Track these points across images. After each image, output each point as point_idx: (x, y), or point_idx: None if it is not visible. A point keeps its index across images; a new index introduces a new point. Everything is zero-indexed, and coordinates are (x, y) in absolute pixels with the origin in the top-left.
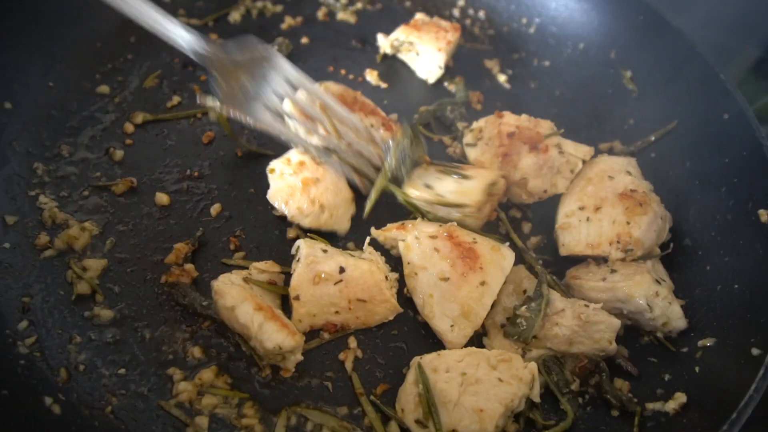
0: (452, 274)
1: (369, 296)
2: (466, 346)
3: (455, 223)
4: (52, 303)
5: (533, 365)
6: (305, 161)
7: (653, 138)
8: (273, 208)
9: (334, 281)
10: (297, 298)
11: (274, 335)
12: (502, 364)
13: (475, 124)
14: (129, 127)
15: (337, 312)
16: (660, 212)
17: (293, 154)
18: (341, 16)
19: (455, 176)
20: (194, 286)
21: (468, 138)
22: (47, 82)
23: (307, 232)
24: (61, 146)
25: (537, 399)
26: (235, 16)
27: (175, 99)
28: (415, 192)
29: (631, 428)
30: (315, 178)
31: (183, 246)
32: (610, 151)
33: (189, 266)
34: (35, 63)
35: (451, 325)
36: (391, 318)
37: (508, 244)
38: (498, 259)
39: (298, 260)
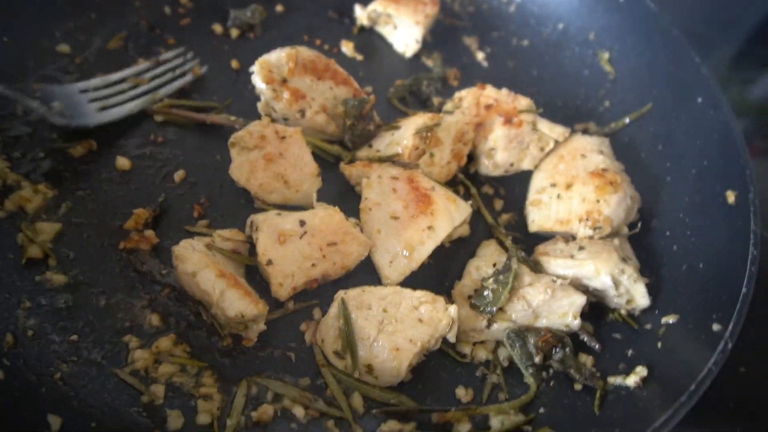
0: (403, 214)
1: (338, 238)
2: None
3: (420, 170)
4: (0, 266)
5: (453, 308)
6: (266, 135)
7: (627, 120)
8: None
9: (299, 235)
10: (269, 262)
11: (236, 303)
12: (425, 306)
13: (456, 94)
14: None
15: (313, 264)
16: (630, 192)
17: (254, 127)
18: None
19: (389, 131)
20: (154, 253)
21: (447, 106)
22: (2, 38)
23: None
24: (15, 105)
25: (453, 340)
26: None
27: (141, 63)
28: (361, 154)
29: (592, 401)
30: (278, 153)
31: (143, 212)
32: (585, 132)
33: (149, 232)
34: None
35: (390, 261)
36: (365, 254)
37: (469, 202)
38: (451, 209)
39: (256, 229)
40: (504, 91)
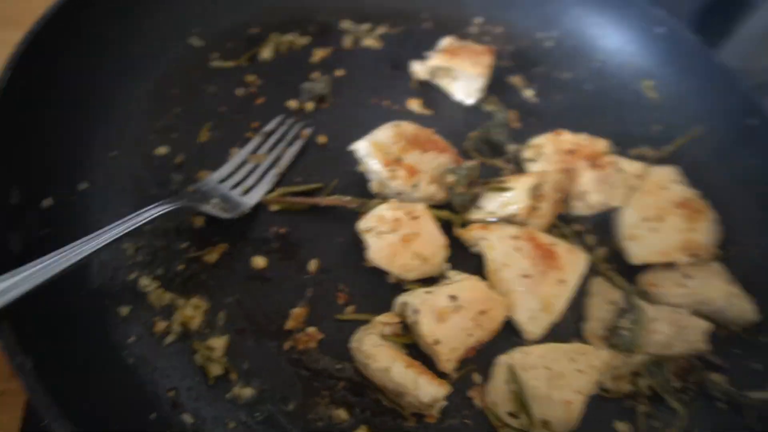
0: (533, 272)
1: (486, 305)
2: (542, 340)
3: (531, 225)
4: (195, 392)
5: (605, 354)
6: (400, 217)
7: (680, 143)
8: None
9: (455, 310)
10: (437, 342)
11: (429, 389)
12: (580, 357)
13: (533, 141)
14: None
15: (470, 335)
16: (713, 217)
17: (385, 211)
18: (366, 42)
19: (498, 192)
20: (319, 349)
21: (528, 154)
22: (110, 153)
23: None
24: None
25: (608, 382)
26: (265, 53)
27: (233, 151)
28: (473, 216)
29: (743, 419)
30: (415, 233)
31: (300, 310)
32: (642, 157)
33: (312, 330)
34: (97, 136)
35: (530, 318)
36: (507, 314)
37: (580, 248)
38: (575, 260)
39: (415, 311)
40: (582, 135)
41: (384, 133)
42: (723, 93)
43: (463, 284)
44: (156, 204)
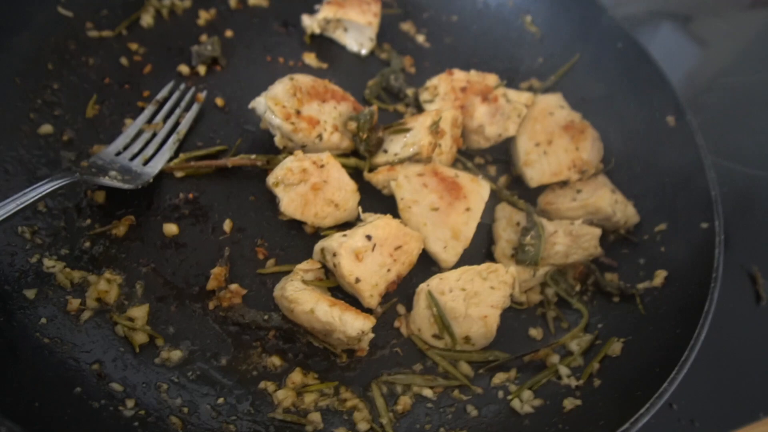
0: (441, 204)
1: (400, 240)
2: (456, 266)
3: (435, 162)
4: (121, 361)
5: (513, 270)
6: (307, 167)
7: (562, 72)
8: (282, 213)
9: (371, 248)
10: (357, 280)
11: (355, 323)
12: (491, 275)
13: (428, 82)
14: None
15: (388, 270)
16: (595, 134)
17: (291, 163)
18: (252, 1)
19: (400, 133)
20: (245, 303)
21: (425, 95)
22: None
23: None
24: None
25: (517, 294)
26: (146, 19)
27: (128, 122)
28: (379, 160)
29: (635, 306)
30: (323, 181)
31: (220, 270)
32: (531, 89)
33: (234, 286)
34: None
35: (444, 247)
36: (422, 247)
37: (481, 176)
38: (477, 188)
39: (334, 255)
40: (472, 72)
41: (280, 87)
42: (592, 21)
43: (377, 223)
44: (46, 180)
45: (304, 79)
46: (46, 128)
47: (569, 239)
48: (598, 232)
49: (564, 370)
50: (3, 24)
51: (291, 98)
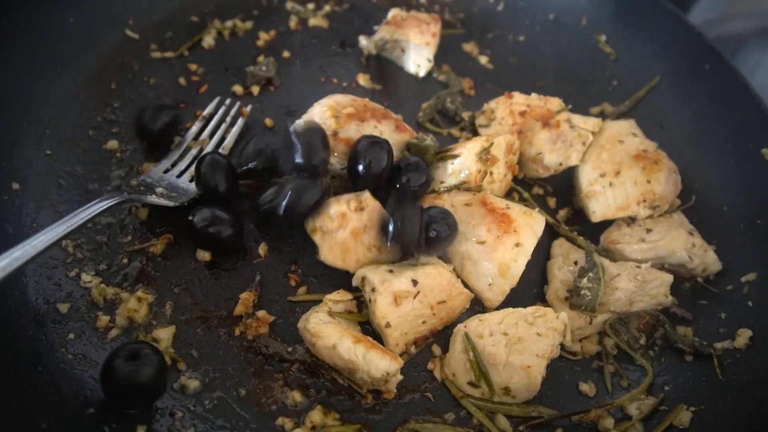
0: (488, 238)
1: (447, 295)
2: (502, 305)
3: (486, 191)
4: None
5: (564, 315)
6: (345, 212)
7: (640, 95)
8: None
9: (413, 295)
10: (388, 325)
11: (379, 363)
12: (539, 320)
13: (486, 106)
14: None
15: (423, 322)
16: (671, 166)
17: (332, 208)
18: (313, 22)
19: (447, 160)
20: (272, 332)
21: (480, 120)
22: (44, 150)
23: None
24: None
25: (569, 344)
26: (208, 41)
27: (177, 140)
28: None
29: (711, 370)
30: (363, 226)
31: (248, 295)
32: (602, 114)
33: (261, 313)
34: (27, 133)
35: (489, 284)
36: (467, 306)
37: (537, 209)
38: (530, 222)
39: (372, 290)
40: (533, 95)
41: (317, 109)
42: (676, 40)
43: (428, 270)
44: (98, 199)
45: (342, 99)
46: (102, 144)
47: (634, 284)
48: (669, 278)
49: None
50: (73, 44)
51: (329, 119)
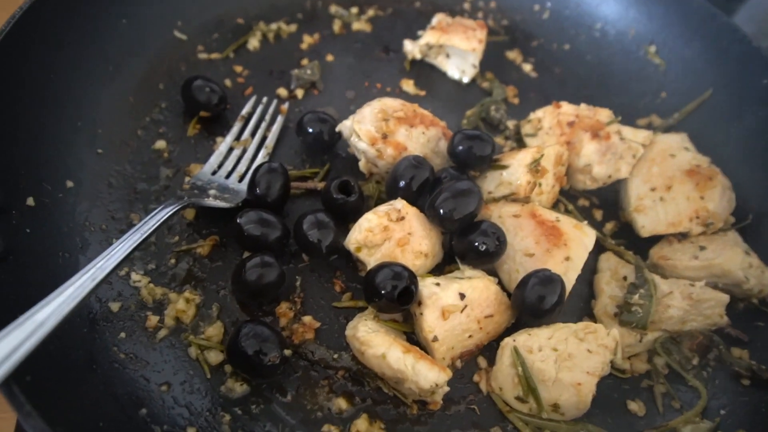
0: (537, 251)
1: (494, 309)
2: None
3: (535, 202)
4: (189, 385)
5: (615, 332)
6: (387, 224)
7: (690, 108)
8: None
9: (461, 309)
10: (435, 339)
11: (429, 374)
12: (590, 336)
13: (532, 115)
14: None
15: (470, 336)
16: (726, 183)
17: (371, 223)
18: (356, 26)
19: (496, 170)
20: (317, 337)
21: (527, 129)
22: (96, 150)
23: None
24: (131, 215)
25: (620, 362)
26: (253, 43)
27: (219, 140)
28: None
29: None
30: (407, 234)
31: (295, 299)
32: (650, 127)
33: (307, 319)
34: (80, 133)
35: None
36: (514, 320)
37: (586, 222)
38: (580, 236)
39: (420, 303)
40: (582, 106)
41: (368, 110)
42: (732, 53)
43: (475, 284)
44: (163, 206)
45: (392, 103)
46: (150, 145)
47: (687, 303)
48: (725, 298)
49: None
50: (125, 47)
51: (379, 122)
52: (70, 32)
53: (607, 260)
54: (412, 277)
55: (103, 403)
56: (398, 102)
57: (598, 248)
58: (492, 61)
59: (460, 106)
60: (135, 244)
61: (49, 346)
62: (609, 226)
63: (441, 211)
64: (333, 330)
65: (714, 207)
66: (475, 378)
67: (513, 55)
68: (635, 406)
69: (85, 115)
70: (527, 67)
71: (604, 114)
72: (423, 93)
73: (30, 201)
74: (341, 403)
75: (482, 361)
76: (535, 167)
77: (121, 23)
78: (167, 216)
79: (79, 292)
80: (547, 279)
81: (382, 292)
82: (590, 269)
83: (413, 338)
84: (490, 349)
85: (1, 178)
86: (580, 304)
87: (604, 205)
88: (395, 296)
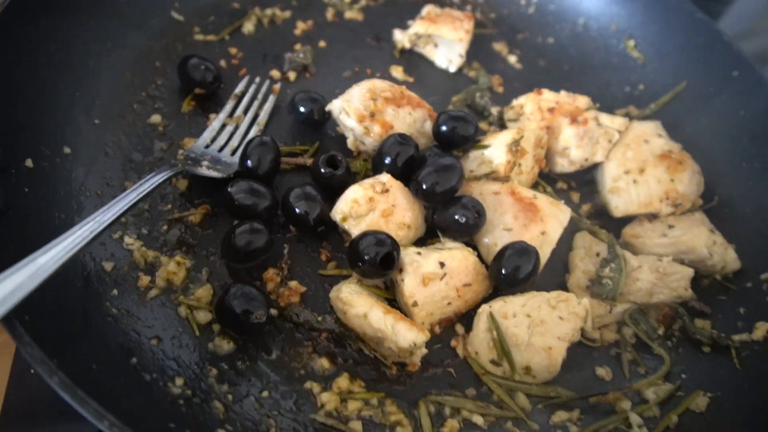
0: (515, 225)
1: (472, 279)
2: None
3: (514, 181)
4: (178, 341)
5: (585, 301)
6: (373, 196)
7: (666, 99)
8: None
9: (440, 277)
10: (415, 304)
11: (407, 334)
12: (561, 304)
13: (515, 101)
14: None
15: (449, 303)
16: (695, 167)
17: (356, 194)
18: (349, 14)
19: (478, 150)
20: (302, 302)
21: (510, 114)
22: (93, 120)
23: None
24: (125, 183)
25: (589, 329)
26: (248, 27)
27: (212, 116)
28: None
29: (728, 361)
30: (391, 206)
31: (282, 265)
32: (627, 116)
33: (293, 283)
34: (78, 103)
35: None
36: (491, 291)
37: (563, 201)
38: (556, 213)
39: (401, 270)
40: (562, 93)
41: (357, 90)
42: (705, 47)
43: (454, 254)
44: (157, 171)
45: (381, 84)
46: (146, 118)
47: (655, 276)
48: (690, 272)
49: (635, 419)
50: (124, 25)
51: (368, 101)
52: (72, 7)
53: (582, 238)
54: (395, 244)
55: (96, 349)
56: (386, 83)
57: (575, 228)
58: (479, 52)
59: (447, 93)
60: (131, 204)
61: (46, 297)
62: (585, 208)
63: (424, 185)
64: (318, 295)
65: (683, 189)
66: (453, 343)
67: (499, 47)
68: (603, 372)
69: (83, 87)
70: (513, 59)
71: (582, 101)
72: (411, 80)
73: (29, 162)
74: (324, 363)
75: (460, 328)
76: (515, 148)
77: (121, 2)
78: (162, 180)
79: (78, 242)
80: (522, 250)
81: (366, 257)
82: (567, 247)
83: (395, 305)
84: (468, 318)
85: (2, 140)
86: (555, 279)
87: (581, 188)
88: (378, 261)
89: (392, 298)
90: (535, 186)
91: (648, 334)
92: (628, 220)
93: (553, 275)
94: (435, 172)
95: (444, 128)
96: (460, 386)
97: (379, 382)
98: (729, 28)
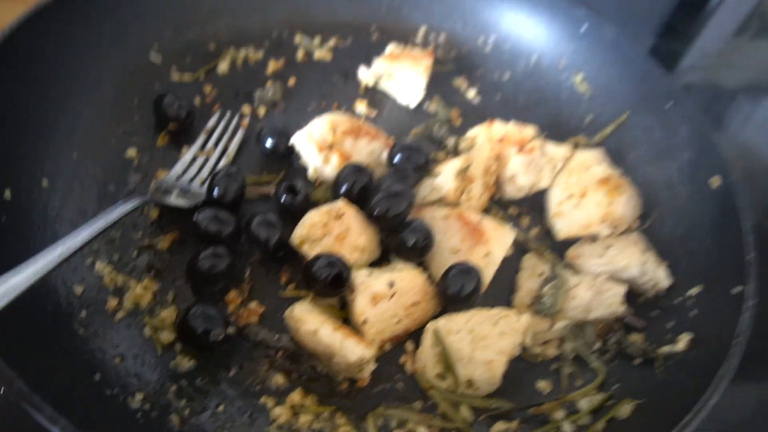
0: (462, 247)
1: (421, 298)
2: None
3: (464, 207)
4: (141, 359)
5: (525, 317)
6: (327, 221)
7: (609, 131)
8: None
9: (389, 296)
10: (365, 322)
11: (356, 349)
12: (502, 320)
13: (469, 132)
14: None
15: (398, 321)
16: (632, 191)
17: (313, 219)
18: (318, 54)
19: (428, 177)
20: (261, 322)
21: (464, 144)
22: (72, 154)
23: None
24: (99, 212)
25: (529, 343)
26: (222, 66)
27: (184, 150)
28: None
29: (654, 370)
30: (346, 228)
31: (243, 287)
32: (577, 145)
33: (253, 304)
34: (58, 137)
35: None
36: (440, 309)
37: (510, 225)
38: (500, 235)
39: (352, 290)
40: (510, 123)
41: (318, 122)
42: (642, 81)
43: (404, 274)
44: (123, 200)
45: (340, 118)
46: (122, 152)
47: (591, 293)
48: (622, 289)
49: (567, 427)
50: (105, 64)
51: (327, 133)
52: (56, 49)
53: (529, 260)
54: (344, 265)
55: (59, 363)
56: (346, 117)
57: (524, 250)
58: (440, 87)
59: (408, 126)
60: (100, 230)
61: (14, 316)
62: (534, 231)
63: (376, 210)
64: (276, 316)
65: (621, 212)
66: (402, 359)
67: (459, 82)
68: (543, 384)
69: (63, 122)
70: (471, 93)
71: (529, 131)
72: (374, 114)
73: (7, 194)
74: (279, 379)
75: (410, 345)
76: (463, 175)
77: (102, 43)
78: (130, 208)
79: (48, 265)
80: (466, 270)
81: (318, 277)
82: (515, 269)
83: (349, 324)
84: (418, 335)
85: None
86: (503, 297)
87: (531, 213)
88: (329, 281)
89: (347, 318)
90: (488, 211)
91: (585, 349)
92: (573, 242)
93: (503, 294)
94: (386, 198)
95: (398, 158)
96: (407, 400)
97: (331, 396)
98: (692, 64)
